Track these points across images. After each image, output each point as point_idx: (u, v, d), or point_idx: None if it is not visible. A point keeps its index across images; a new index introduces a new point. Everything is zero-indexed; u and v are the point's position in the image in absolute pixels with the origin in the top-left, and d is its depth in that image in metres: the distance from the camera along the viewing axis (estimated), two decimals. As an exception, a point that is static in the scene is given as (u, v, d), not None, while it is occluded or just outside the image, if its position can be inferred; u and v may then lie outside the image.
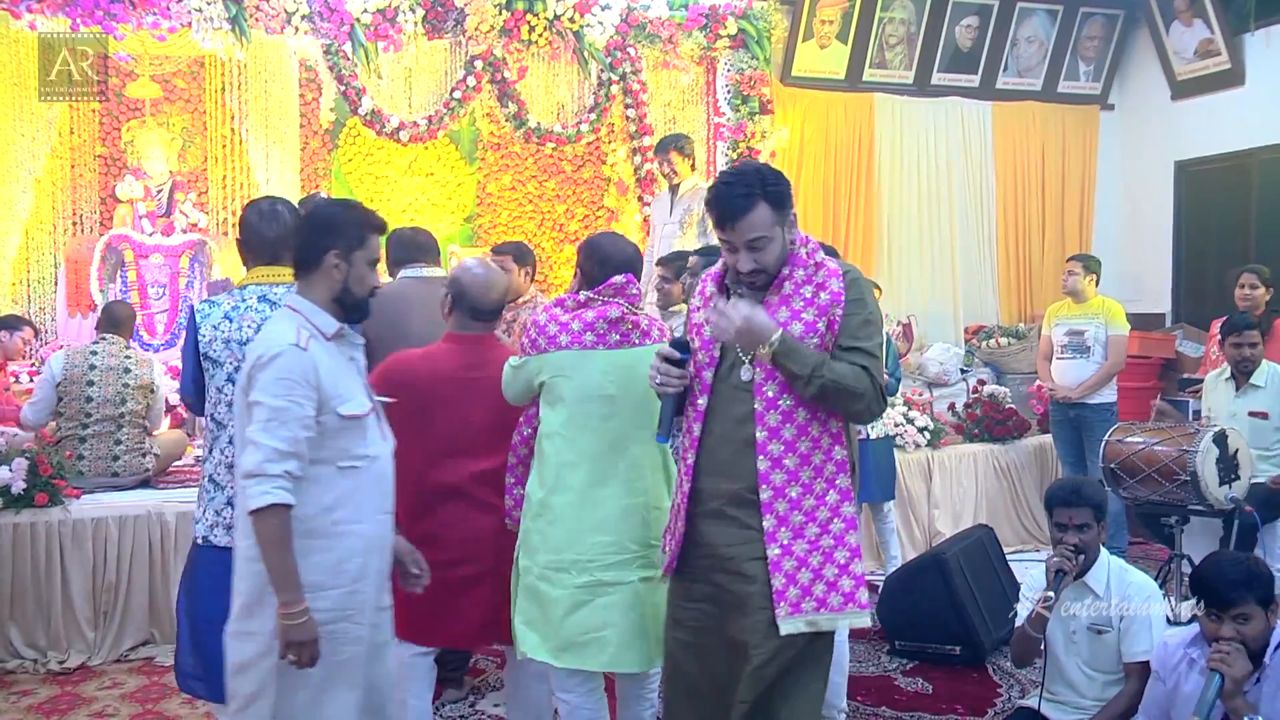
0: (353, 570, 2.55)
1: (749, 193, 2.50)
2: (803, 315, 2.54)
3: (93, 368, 5.01)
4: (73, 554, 4.56)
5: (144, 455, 5.10)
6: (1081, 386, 6.00)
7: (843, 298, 2.56)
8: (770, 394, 2.54)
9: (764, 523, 2.52)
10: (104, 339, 5.15)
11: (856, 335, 2.56)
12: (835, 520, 2.55)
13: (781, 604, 2.49)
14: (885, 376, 2.81)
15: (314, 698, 2.52)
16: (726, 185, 2.54)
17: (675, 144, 6.48)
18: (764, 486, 2.52)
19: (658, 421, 2.70)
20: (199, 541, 3.00)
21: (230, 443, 2.91)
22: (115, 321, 5.25)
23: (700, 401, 2.63)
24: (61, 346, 6.26)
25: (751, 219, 2.50)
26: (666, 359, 2.62)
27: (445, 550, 3.06)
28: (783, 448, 2.53)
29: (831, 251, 2.91)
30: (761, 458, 2.53)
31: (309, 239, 2.64)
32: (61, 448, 4.94)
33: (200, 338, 2.99)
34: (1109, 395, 6.09)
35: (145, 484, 5.09)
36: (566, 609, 2.88)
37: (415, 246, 4.04)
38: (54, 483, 4.64)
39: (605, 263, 3.02)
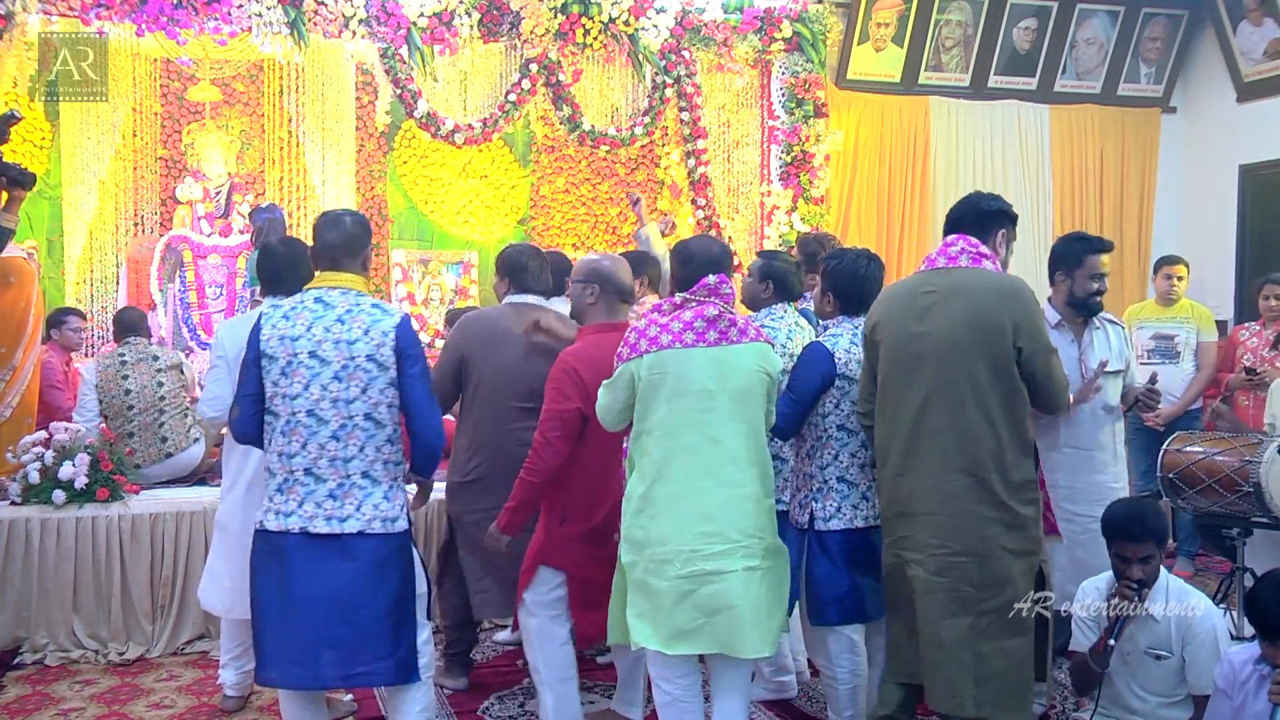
0: None
1: None
2: None
3: (124, 363, 5.15)
4: (131, 548, 4.64)
5: (189, 430, 5.20)
6: (1181, 402, 5.88)
7: None
8: None
9: None
10: (127, 342, 5.25)
11: None
12: None
13: None
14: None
15: None
16: None
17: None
18: None
19: None
20: (255, 527, 3.06)
21: (282, 434, 2.99)
22: (131, 325, 5.34)
23: None
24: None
25: None
26: None
27: None
28: None
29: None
30: None
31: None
32: (119, 446, 5.03)
33: (261, 337, 3.02)
34: (1199, 401, 5.97)
35: (202, 481, 5.18)
36: (674, 599, 2.95)
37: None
38: (114, 478, 4.72)
39: (690, 262, 3.13)
